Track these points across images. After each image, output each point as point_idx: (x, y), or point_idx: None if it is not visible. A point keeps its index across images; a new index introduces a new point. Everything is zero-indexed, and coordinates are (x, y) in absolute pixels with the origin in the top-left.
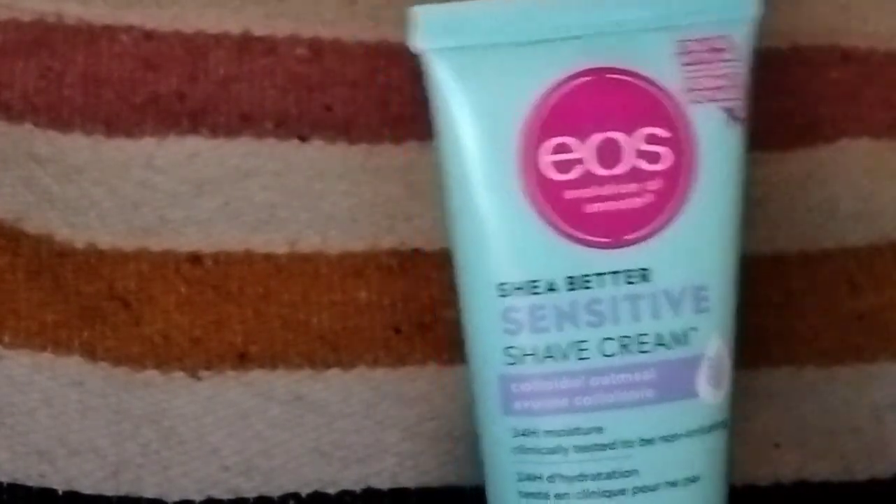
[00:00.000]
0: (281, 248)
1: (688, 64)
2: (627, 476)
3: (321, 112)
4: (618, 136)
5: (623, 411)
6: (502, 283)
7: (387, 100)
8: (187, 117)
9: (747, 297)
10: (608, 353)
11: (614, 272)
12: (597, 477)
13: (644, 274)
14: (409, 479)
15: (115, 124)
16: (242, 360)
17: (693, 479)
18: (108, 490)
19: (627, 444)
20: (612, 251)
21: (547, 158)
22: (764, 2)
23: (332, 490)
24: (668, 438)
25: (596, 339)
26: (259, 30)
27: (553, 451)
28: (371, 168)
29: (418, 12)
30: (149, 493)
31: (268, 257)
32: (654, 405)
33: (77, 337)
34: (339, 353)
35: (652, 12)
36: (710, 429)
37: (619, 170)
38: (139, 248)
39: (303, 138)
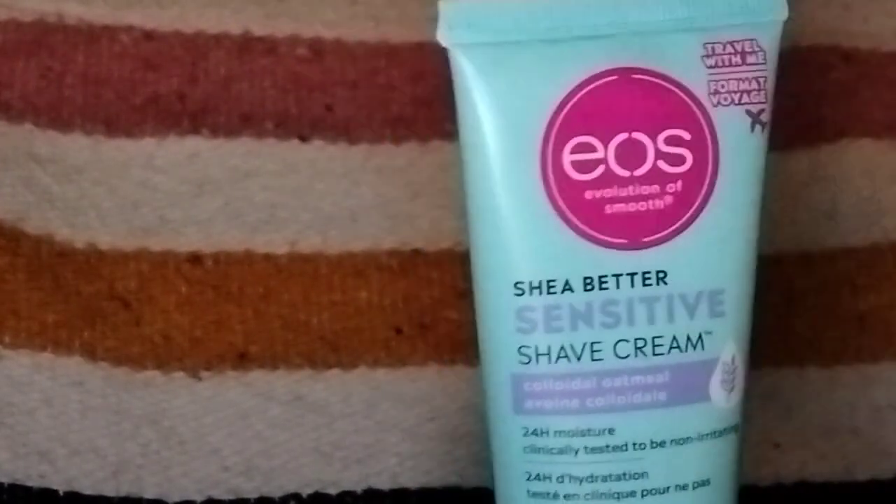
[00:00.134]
0: (281, 249)
1: (714, 66)
2: (637, 478)
3: (322, 112)
4: (641, 137)
5: (635, 413)
6: (518, 282)
7: (387, 100)
8: (187, 117)
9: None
10: (622, 355)
11: (631, 274)
12: (607, 478)
13: (661, 276)
14: (409, 479)
15: (116, 124)
16: (243, 360)
17: (703, 483)
18: (109, 490)
19: (639, 446)
20: (630, 252)
21: (569, 158)
22: (790, 5)
23: (332, 490)
24: (679, 441)
25: (610, 341)
26: (259, 30)
27: (563, 451)
28: (371, 168)
29: (444, 7)
30: (149, 494)
31: (268, 257)
32: (666, 408)
33: (77, 337)
34: (340, 353)
35: (679, 14)
36: (722, 433)
37: (640, 171)
38: (139, 248)
39: (303, 138)
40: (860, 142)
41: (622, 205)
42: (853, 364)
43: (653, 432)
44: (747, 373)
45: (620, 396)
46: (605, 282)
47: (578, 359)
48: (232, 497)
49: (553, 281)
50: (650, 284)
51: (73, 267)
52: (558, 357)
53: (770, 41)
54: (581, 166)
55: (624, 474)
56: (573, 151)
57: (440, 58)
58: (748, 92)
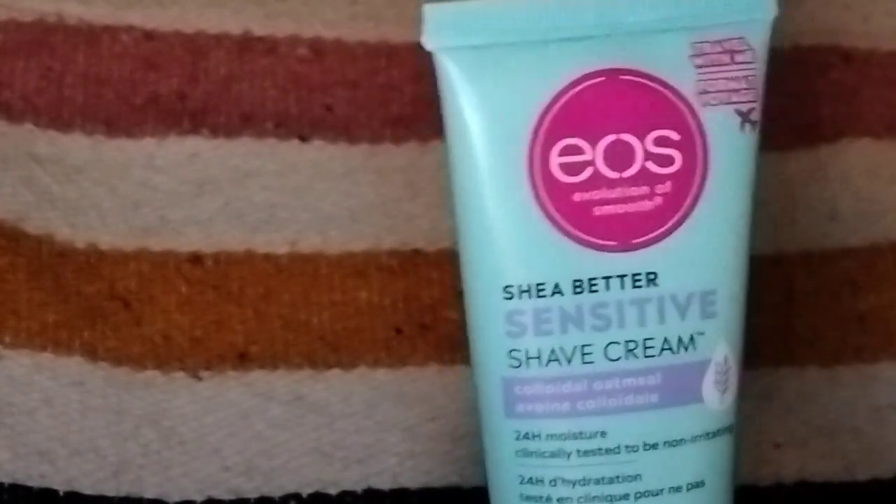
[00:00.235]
0: (281, 249)
1: (702, 66)
2: (631, 481)
3: (322, 112)
4: (629, 138)
5: (627, 416)
6: (507, 286)
7: (387, 100)
8: (188, 117)
9: (748, 297)
10: (613, 358)
11: (621, 276)
12: (599, 481)
13: (651, 278)
14: (410, 479)
15: (116, 124)
16: (243, 360)
17: (698, 485)
18: (109, 490)
19: (631, 448)
20: (620, 255)
21: (556, 160)
22: (780, 3)
23: (333, 490)
24: (672, 443)
25: (601, 343)
26: (260, 30)
27: (555, 454)
28: (372, 168)
29: (428, 11)
30: (150, 494)
31: (268, 257)
32: (658, 410)
33: (78, 337)
34: (340, 353)
35: (666, 13)
36: (716, 434)
37: (629, 172)
38: (140, 248)
39: (303, 138)
40: (860, 142)
41: (611, 206)
42: (853, 364)
43: (645, 434)
44: (741, 373)
45: (612, 399)
46: (595, 284)
47: (569, 362)
48: (232, 497)
49: (542, 284)
50: (640, 286)
51: (74, 267)
52: (549, 360)
53: (759, 39)
54: (569, 168)
55: (617, 477)
56: (561, 154)
57: None
58: (737, 91)
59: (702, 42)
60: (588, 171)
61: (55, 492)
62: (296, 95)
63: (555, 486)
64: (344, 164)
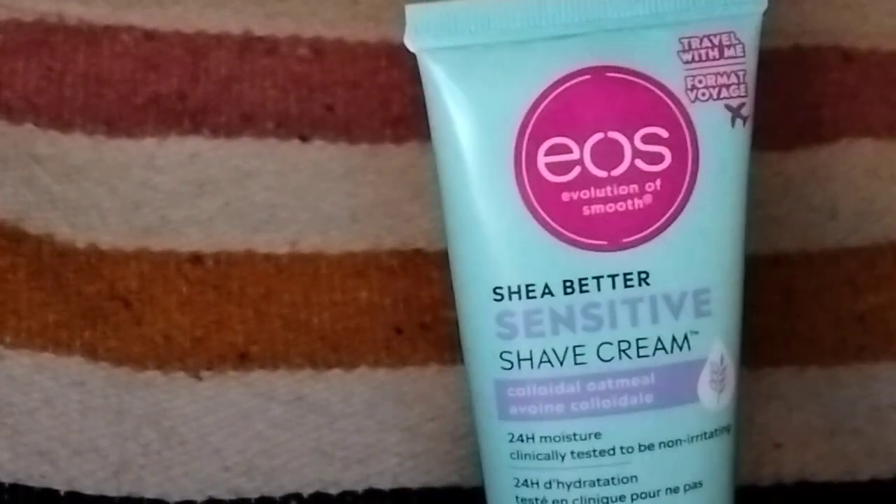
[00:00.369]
0: (282, 249)
1: (690, 61)
2: (626, 482)
3: (322, 112)
4: (617, 136)
5: (621, 417)
6: (497, 287)
7: (388, 100)
8: (188, 117)
9: (748, 297)
10: (606, 358)
11: (612, 275)
12: (595, 483)
13: (643, 277)
14: (410, 479)
15: (116, 124)
16: (243, 360)
17: (696, 485)
18: (110, 490)
19: (626, 450)
20: (611, 254)
21: (544, 160)
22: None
23: (333, 490)
24: (668, 444)
25: (593, 344)
26: (260, 30)
27: (550, 456)
28: (372, 168)
29: (411, 11)
30: (150, 494)
31: (269, 257)
32: (653, 410)
33: (78, 337)
34: (341, 353)
35: (653, 8)
36: (713, 434)
37: (618, 171)
38: (140, 248)
39: (304, 138)
40: (860, 142)
41: (600, 206)
42: (853, 364)
43: (640, 435)
44: (740, 372)
45: (605, 400)
46: (586, 284)
47: (561, 363)
48: (233, 497)
49: (532, 285)
50: (632, 286)
51: (74, 267)
52: (541, 362)
53: (749, 33)
54: (557, 168)
55: (612, 479)
56: (548, 153)
57: None
58: (727, 86)
59: (690, 37)
60: (576, 171)
61: (56, 492)
62: (296, 95)
63: (550, 488)
64: (344, 164)
